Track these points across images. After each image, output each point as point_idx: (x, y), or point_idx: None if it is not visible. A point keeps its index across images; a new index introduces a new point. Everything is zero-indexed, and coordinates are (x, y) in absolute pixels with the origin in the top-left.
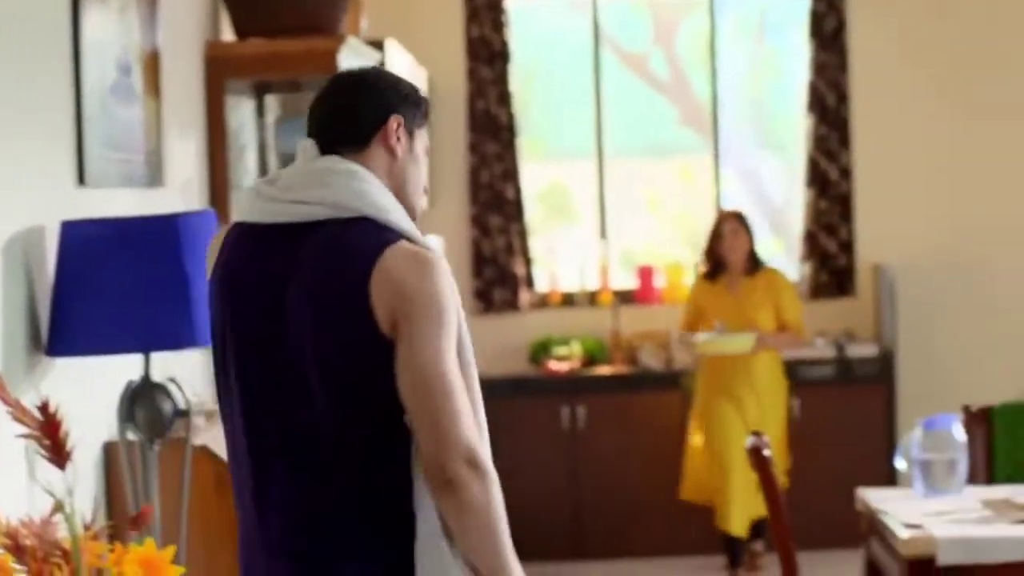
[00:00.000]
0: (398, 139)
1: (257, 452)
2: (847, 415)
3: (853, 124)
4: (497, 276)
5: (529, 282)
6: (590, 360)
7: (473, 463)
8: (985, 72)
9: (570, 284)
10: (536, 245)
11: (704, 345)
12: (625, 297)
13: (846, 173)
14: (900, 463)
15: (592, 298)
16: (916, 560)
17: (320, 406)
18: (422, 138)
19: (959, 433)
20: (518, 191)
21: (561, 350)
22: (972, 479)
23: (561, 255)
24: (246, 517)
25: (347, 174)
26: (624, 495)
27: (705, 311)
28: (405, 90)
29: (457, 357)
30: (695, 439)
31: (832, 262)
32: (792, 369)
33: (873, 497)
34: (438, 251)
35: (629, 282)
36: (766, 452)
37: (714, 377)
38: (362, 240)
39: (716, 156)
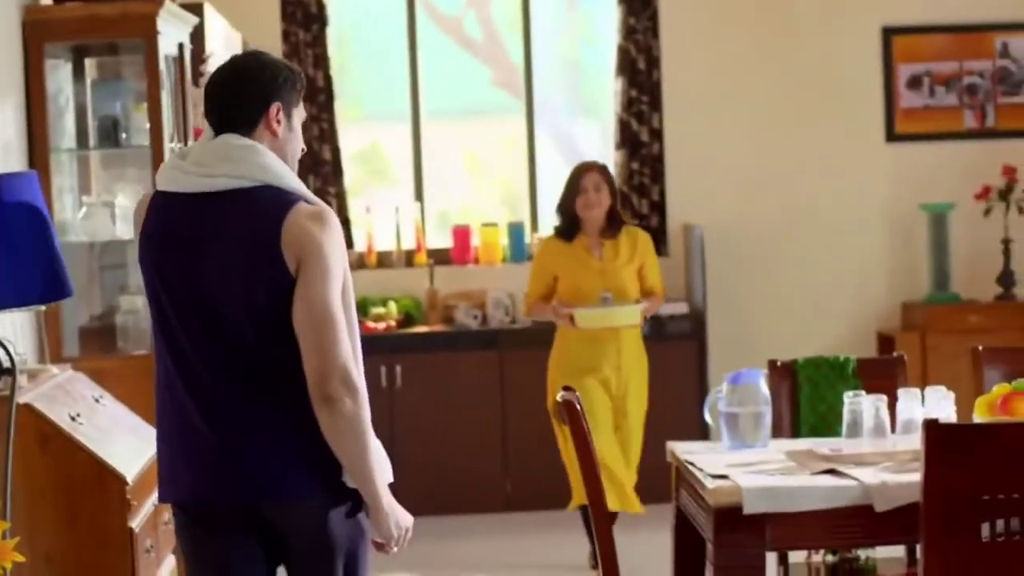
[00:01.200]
0: (278, 122)
1: (200, 376)
2: (660, 371)
3: (663, 87)
4: None
5: (346, 243)
6: (407, 320)
7: (347, 382)
8: (792, 37)
9: (387, 245)
10: (353, 206)
11: (589, 319)
12: (441, 257)
13: (657, 135)
14: (708, 417)
15: (408, 258)
16: (723, 509)
17: (248, 335)
18: (299, 114)
19: (764, 387)
20: (335, 153)
21: (378, 310)
22: (777, 432)
23: (378, 216)
24: (181, 436)
25: (248, 149)
26: (440, 452)
27: (561, 275)
28: (283, 76)
29: (342, 298)
30: (563, 433)
31: (644, 223)
32: None
33: (682, 449)
34: (331, 210)
35: (445, 242)
36: (578, 406)
37: (580, 356)
38: (270, 204)
39: (530, 118)
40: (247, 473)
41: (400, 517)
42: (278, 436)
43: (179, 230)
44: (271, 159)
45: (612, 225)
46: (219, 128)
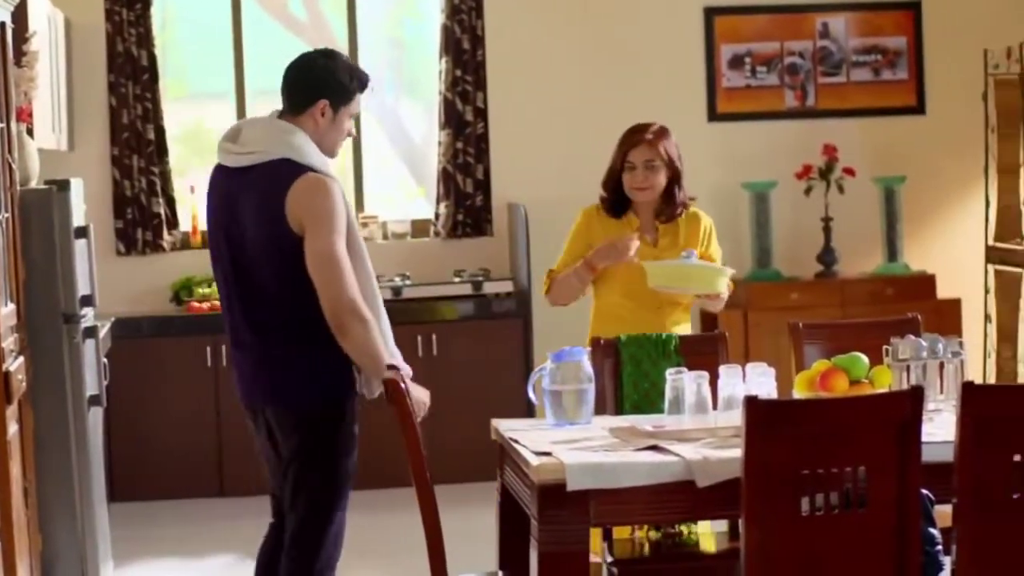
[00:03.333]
0: (322, 115)
1: (232, 306)
2: (486, 350)
3: (487, 66)
4: (139, 217)
5: (171, 223)
6: None
7: (355, 312)
8: (615, 17)
9: None
10: (178, 185)
11: (663, 274)
12: None
13: (481, 114)
14: (531, 394)
15: None
16: (546, 486)
17: (265, 277)
18: (347, 111)
19: (587, 365)
20: (159, 132)
21: (203, 289)
22: (600, 409)
23: (202, 195)
24: (232, 350)
25: (284, 131)
26: None
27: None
28: (337, 78)
29: (348, 248)
30: None
31: (468, 201)
32: (430, 307)
33: (506, 427)
34: (334, 178)
35: None
36: (403, 385)
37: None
38: (284, 174)
39: None
40: (253, 384)
41: (419, 395)
42: (280, 359)
43: (222, 195)
44: (298, 138)
45: (670, 206)
46: (283, 107)
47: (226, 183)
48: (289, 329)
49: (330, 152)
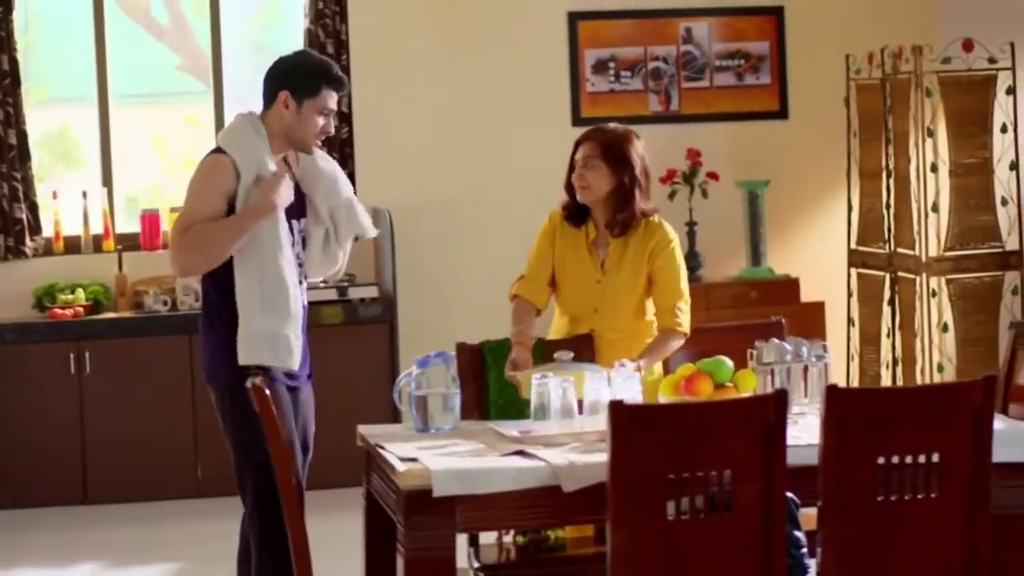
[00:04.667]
0: (286, 107)
1: None
2: (352, 356)
3: (352, 70)
4: (0, 223)
5: (34, 229)
6: (95, 306)
7: (176, 260)
8: (479, 21)
9: (74, 230)
10: (40, 191)
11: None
12: (130, 243)
13: (346, 118)
14: (397, 400)
15: (97, 244)
16: (412, 492)
17: None
18: (313, 104)
19: (453, 370)
20: (21, 137)
21: (66, 296)
22: (466, 414)
23: (65, 201)
24: None
25: (234, 122)
26: (131, 438)
27: (559, 273)
28: (300, 72)
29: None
30: None
31: None
32: None
33: (372, 432)
34: (224, 154)
35: (133, 228)
36: (267, 392)
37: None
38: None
39: (219, 103)
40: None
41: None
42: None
43: None
44: (233, 127)
45: (621, 216)
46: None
47: None
48: (204, 308)
49: (303, 147)
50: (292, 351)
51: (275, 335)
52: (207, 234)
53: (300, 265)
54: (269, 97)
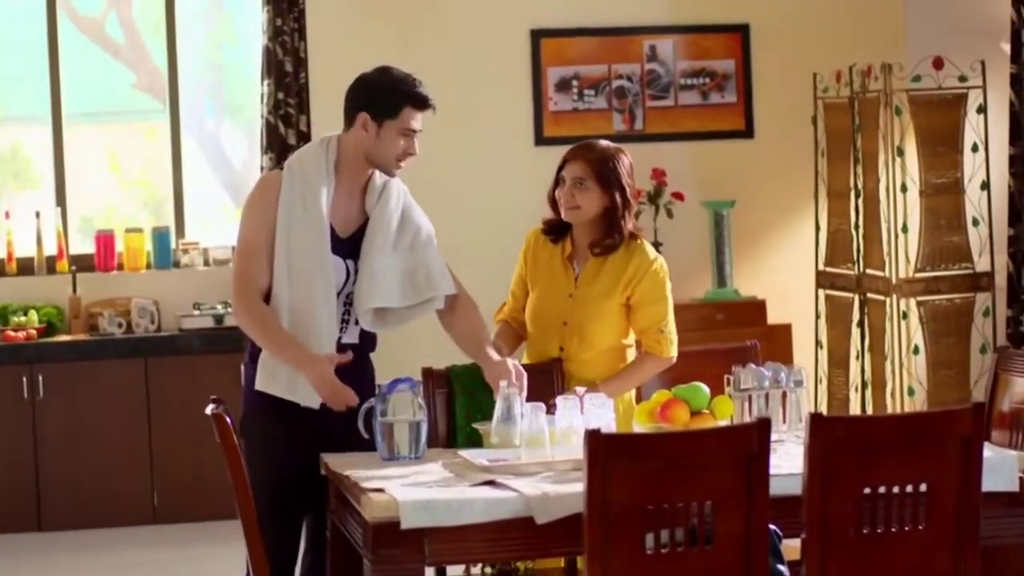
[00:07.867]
0: (364, 128)
1: None
2: None
3: (311, 89)
4: None
5: None
6: (49, 328)
7: (236, 315)
8: (440, 39)
9: (27, 251)
10: None
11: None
12: (84, 264)
13: (304, 137)
14: (362, 428)
15: (50, 265)
16: (379, 524)
17: None
18: (394, 125)
19: (419, 396)
20: None
21: (19, 318)
22: (433, 442)
23: (18, 221)
24: None
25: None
26: (84, 463)
27: (532, 287)
28: (378, 93)
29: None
30: None
31: None
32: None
33: (337, 462)
34: (269, 173)
35: (88, 248)
36: (228, 420)
37: None
38: None
39: (175, 121)
40: None
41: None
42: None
43: None
44: (304, 149)
45: (607, 236)
46: None
47: None
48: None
49: (386, 169)
50: (312, 390)
51: (295, 371)
52: (256, 328)
53: (348, 304)
54: (349, 118)
